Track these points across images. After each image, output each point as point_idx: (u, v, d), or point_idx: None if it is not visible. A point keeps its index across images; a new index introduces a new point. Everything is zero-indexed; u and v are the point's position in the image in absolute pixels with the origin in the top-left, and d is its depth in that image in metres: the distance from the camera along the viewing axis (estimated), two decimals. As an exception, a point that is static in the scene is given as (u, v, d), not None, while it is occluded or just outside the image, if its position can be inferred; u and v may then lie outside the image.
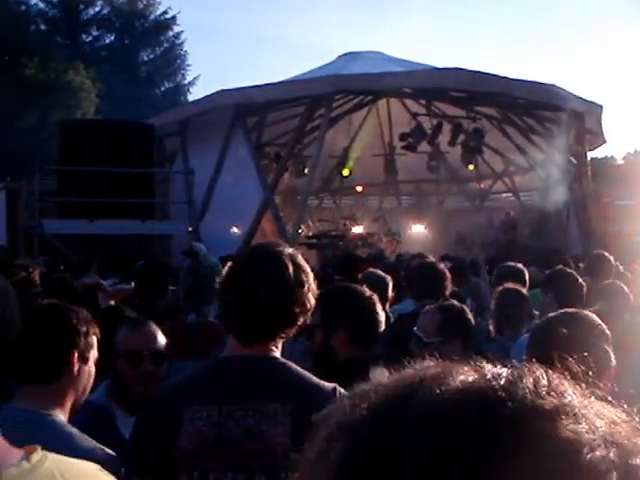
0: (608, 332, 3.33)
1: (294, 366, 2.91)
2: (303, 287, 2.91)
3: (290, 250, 3.03)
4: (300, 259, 3.00)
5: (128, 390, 3.75)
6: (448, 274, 6.51)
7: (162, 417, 2.84)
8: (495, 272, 8.43)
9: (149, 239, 19.73)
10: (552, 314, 3.70)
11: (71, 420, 2.95)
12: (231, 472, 2.73)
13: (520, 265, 7.92)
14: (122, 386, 3.80)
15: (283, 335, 2.94)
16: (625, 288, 6.61)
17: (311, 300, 2.96)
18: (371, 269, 7.46)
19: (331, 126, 22.08)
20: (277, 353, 2.94)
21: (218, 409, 2.77)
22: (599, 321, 3.40)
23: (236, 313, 2.93)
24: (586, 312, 3.57)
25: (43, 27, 48.12)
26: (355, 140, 26.52)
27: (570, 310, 3.65)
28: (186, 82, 54.62)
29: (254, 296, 2.85)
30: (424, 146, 23.70)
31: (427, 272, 6.56)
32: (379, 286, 6.09)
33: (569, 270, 6.95)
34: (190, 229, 19.71)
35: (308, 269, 3.00)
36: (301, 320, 2.94)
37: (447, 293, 6.39)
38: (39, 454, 1.64)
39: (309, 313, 3.00)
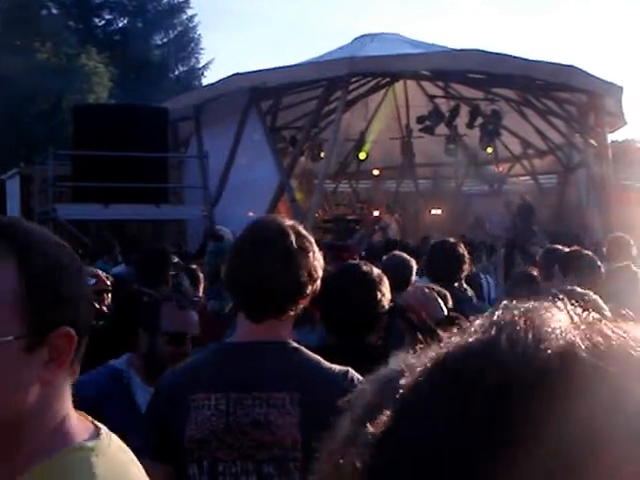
0: (609, 314, 3.19)
1: (305, 351, 2.88)
2: (307, 254, 2.89)
3: (291, 222, 3.02)
4: (302, 228, 3.00)
5: (159, 365, 3.74)
6: (467, 257, 6.51)
7: (170, 404, 2.82)
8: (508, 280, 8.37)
9: (163, 224, 19.71)
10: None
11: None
12: (240, 461, 2.72)
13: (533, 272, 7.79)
14: (155, 360, 3.92)
15: (293, 309, 2.88)
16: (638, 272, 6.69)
17: (317, 269, 2.93)
18: (395, 252, 7.31)
19: (347, 109, 21.98)
20: (288, 334, 2.92)
21: (226, 397, 2.75)
22: (600, 301, 3.40)
23: (243, 289, 2.89)
24: (585, 290, 3.53)
25: (55, 11, 47.86)
26: (372, 123, 26.38)
27: (568, 287, 3.66)
28: (200, 66, 54.44)
29: (258, 267, 2.82)
30: (441, 129, 23.61)
31: (445, 254, 6.51)
32: (400, 269, 6.02)
33: (586, 252, 6.88)
34: (205, 213, 19.57)
35: (311, 238, 2.99)
36: (309, 290, 2.89)
37: (463, 276, 6.52)
38: (105, 430, 1.68)
39: (317, 282, 2.94)
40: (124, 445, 1.70)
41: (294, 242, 2.86)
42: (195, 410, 2.75)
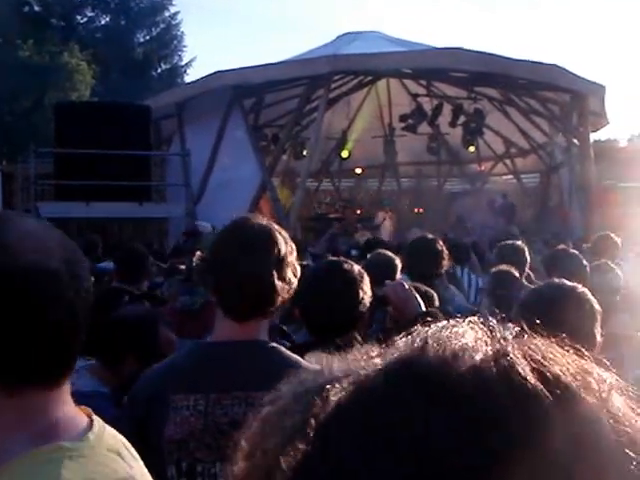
0: (598, 307, 3.30)
1: (283, 351, 2.88)
2: (290, 256, 2.92)
3: (271, 222, 3.03)
4: (283, 231, 3.01)
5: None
6: (446, 253, 6.51)
7: (149, 406, 2.79)
8: (496, 251, 8.29)
9: (146, 222, 19.66)
10: (537, 286, 3.78)
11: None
12: (219, 462, 2.70)
13: (520, 243, 7.79)
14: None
15: (273, 309, 2.92)
16: (617, 269, 6.73)
17: (297, 270, 2.96)
18: (380, 250, 7.29)
19: (330, 107, 21.97)
20: (266, 334, 2.93)
21: (206, 398, 2.73)
22: (589, 295, 3.36)
23: (226, 289, 2.87)
24: (575, 284, 3.48)
25: (37, 8, 47.68)
26: (354, 121, 26.36)
27: (557, 281, 3.56)
28: (183, 64, 54.25)
29: (244, 269, 2.82)
30: (424, 127, 23.63)
31: (424, 251, 6.52)
32: (384, 267, 5.99)
33: (573, 251, 6.89)
34: (187, 211, 19.54)
35: (289, 239, 3.00)
36: (290, 291, 2.92)
37: (442, 272, 6.51)
38: (97, 420, 1.69)
39: (295, 283, 2.95)
40: (119, 444, 1.69)
41: (279, 245, 2.87)
42: (174, 411, 2.73)
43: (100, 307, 3.15)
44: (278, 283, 2.83)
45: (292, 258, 2.93)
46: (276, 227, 2.98)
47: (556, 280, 3.56)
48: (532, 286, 5.16)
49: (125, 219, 19.05)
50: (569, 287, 3.39)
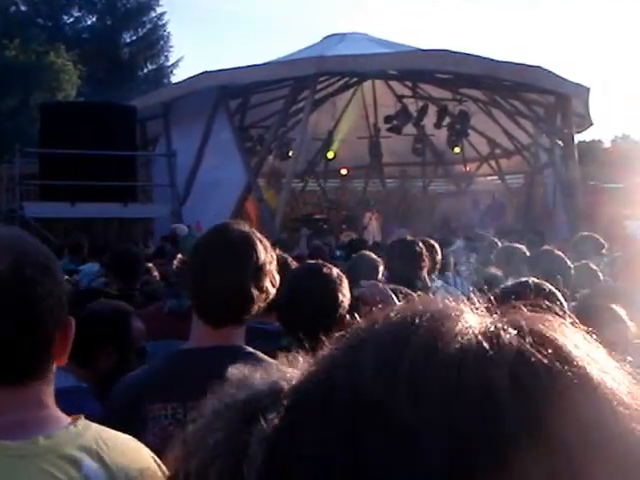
0: (565, 303, 3.40)
1: (260, 355, 2.84)
2: (270, 263, 2.94)
3: (251, 230, 3.02)
4: (264, 239, 3.00)
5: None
6: (426, 255, 6.54)
7: (126, 416, 2.72)
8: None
9: (131, 222, 19.64)
10: (506, 284, 3.79)
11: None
12: None
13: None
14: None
15: (249, 316, 2.92)
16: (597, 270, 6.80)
17: (276, 276, 2.97)
18: (363, 251, 7.32)
19: (315, 108, 21.99)
20: (242, 339, 2.94)
21: (183, 406, 2.69)
22: (557, 293, 3.40)
23: (206, 296, 2.89)
24: (542, 281, 3.53)
25: (23, 8, 47.61)
26: (340, 122, 26.36)
27: (523, 279, 3.62)
28: (169, 64, 54.18)
29: (225, 277, 2.83)
30: (409, 128, 23.68)
31: (403, 253, 6.54)
32: (366, 268, 6.01)
33: (557, 252, 6.90)
34: (172, 212, 19.54)
35: (268, 243, 3.01)
36: (271, 294, 2.95)
37: (422, 273, 6.48)
38: (84, 421, 1.79)
39: (276, 286, 2.98)
40: (82, 454, 1.71)
41: (258, 253, 2.88)
42: (152, 421, 2.73)
43: (74, 308, 3.18)
44: (255, 292, 2.85)
45: (271, 267, 2.94)
46: (257, 235, 2.98)
47: (523, 278, 3.60)
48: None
49: (111, 219, 19.02)
50: (535, 284, 3.42)
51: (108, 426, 2.73)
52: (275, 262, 3.00)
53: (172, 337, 4.72)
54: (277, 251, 3.39)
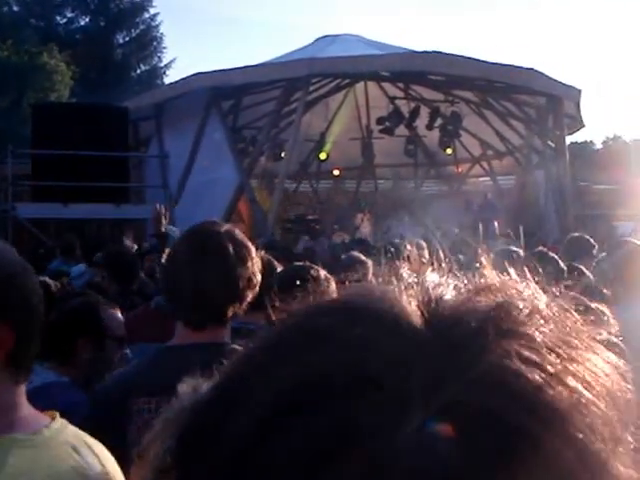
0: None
1: None
2: (246, 263, 2.91)
3: (227, 227, 3.04)
4: (239, 235, 3.01)
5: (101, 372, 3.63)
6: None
7: (111, 410, 2.79)
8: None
9: (124, 223, 19.63)
10: None
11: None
12: None
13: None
14: (102, 366, 3.78)
15: (231, 315, 2.94)
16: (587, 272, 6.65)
17: (256, 274, 2.97)
18: (352, 252, 7.37)
19: (308, 110, 22.00)
20: (227, 336, 2.95)
21: (167, 400, 2.64)
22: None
23: (181, 298, 2.91)
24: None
25: (16, 8, 47.54)
26: (332, 124, 26.37)
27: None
28: (162, 65, 54.05)
29: (196, 278, 2.84)
30: (402, 130, 23.69)
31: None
32: (356, 269, 6.02)
33: (550, 253, 6.90)
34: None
35: (249, 244, 3.01)
36: (249, 296, 2.95)
37: None
38: (60, 419, 1.86)
39: (256, 288, 2.98)
40: (80, 441, 1.83)
41: (232, 251, 2.88)
42: (137, 414, 2.74)
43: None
44: (235, 291, 2.88)
45: (249, 266, 2.93)
46: (235, 233, 3.00)
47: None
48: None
49: (103, 220, 19.01)
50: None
51: (95, 420, 2.71)
52: (256, 262, 2.99)
53: (159, 334, 4.78)
54: (262, 252, 3.38)
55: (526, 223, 22.50)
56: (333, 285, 3.93)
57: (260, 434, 0.57)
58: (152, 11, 52.72)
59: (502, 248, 8.14)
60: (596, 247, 9.07)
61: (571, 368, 0.60)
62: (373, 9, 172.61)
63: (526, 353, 0.59)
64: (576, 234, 9.76)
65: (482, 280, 0.69)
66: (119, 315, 4.11)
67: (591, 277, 6.39)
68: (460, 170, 28.01)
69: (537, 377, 0.57)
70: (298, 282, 3.92)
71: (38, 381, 3.51)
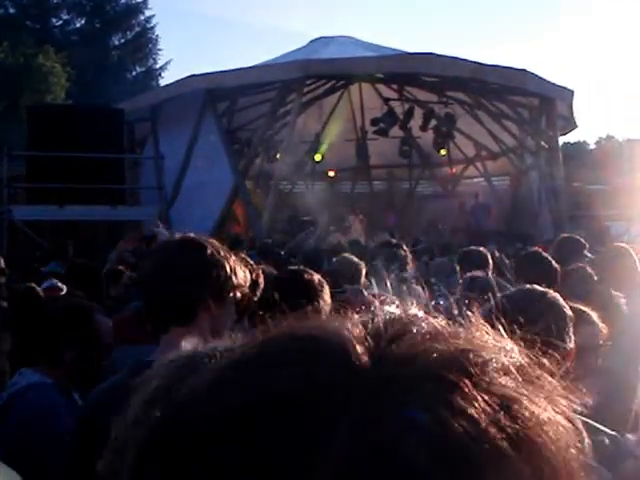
0: (570, 313, 3.22)
1: None
2: (223, 267, 2.88)
3: (204, 237, 3.03)
4: (214, 242, 2.99)
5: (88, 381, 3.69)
6: (410, 259, 6.57)
7: (100, 427, 2.77)
8: (458, 257, 8.23)
9: (119, 225, 19.64)
10: (508, 291, 3.66)
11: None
12: None
13: (483, 249, 7.86)
14: (88, 375, 3.80)
15: (200, 317, 2.88)
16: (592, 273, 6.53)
17: (239, 276, 2.93)
18: (345, 254, 7.39)
19: (302, 111, 22.05)
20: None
21: None
22: (561, 300, 3.28)
23: (147, 306, 2.98)
24: (546, 290, 3.39)
25: (12, 11, 47.58)
26: (327, 125, 26.39)
27: (528, 286, 3.50)
28: (157, 67, 54.18)
29: (161, 290, 2.87)
30: (396, 131, 23.72)
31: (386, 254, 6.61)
32: (348, 271, 6.07)
33: (543, 254, 6.89)
34: (158, 214, 19.56)
35: (222, 250, 2.96)
36: (231, 297, 2.92)
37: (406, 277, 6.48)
38: None
39: (241, 289, 2.97)
40: None
41: (206, 259, 2.88)
42: None
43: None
44: (196, 302, 2.87)
45: (227, 263, 2.92)
46: (211, 244, 2.98)
47: (527, 285, 3.50)
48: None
49: (99, 222, 19.04)
50: (540, 292, 3.35)
51: (79, 436, 2.76)
52: (228, 258, 2.96)
53: (137, 337, 4.82)
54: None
55: (520, 223, 22.60)
56: (327, 290, 4.01)
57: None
58: (147, 13, 52.94)
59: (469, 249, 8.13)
60: (587, 247, 9.05)
61: (505, 426, 0.59)
62: (368, 11, 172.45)
63: (459, 404, 0.59)
64: (567, 234, 9.74)
65: (445, 324, 0.70)
66: (108, 321, 4.13)
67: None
68: (454, 171, 28.06)
69: (460, 430, 0.58)
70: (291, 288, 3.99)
71: (24, 382, 3.61)
